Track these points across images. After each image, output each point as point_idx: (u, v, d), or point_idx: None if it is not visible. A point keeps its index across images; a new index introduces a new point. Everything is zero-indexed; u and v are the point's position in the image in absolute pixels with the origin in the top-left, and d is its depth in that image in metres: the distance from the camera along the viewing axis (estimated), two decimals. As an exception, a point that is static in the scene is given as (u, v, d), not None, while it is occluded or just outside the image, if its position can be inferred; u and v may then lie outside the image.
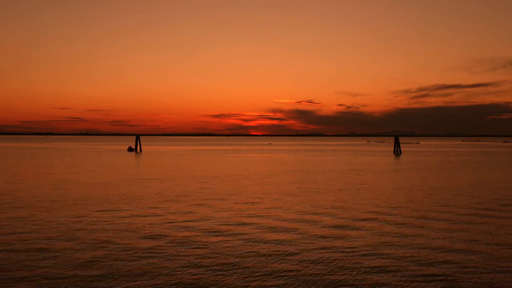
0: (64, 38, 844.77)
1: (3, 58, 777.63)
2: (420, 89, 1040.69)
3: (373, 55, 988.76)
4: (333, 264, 11.57)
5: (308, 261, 11.77)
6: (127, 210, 19.27)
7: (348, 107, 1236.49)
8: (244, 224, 16.39)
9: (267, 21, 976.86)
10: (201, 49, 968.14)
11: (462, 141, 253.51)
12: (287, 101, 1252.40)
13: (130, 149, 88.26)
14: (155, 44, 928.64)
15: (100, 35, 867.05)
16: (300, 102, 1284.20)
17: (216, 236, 14.49)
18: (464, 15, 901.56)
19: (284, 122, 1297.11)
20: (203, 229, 15.41)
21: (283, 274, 10.74)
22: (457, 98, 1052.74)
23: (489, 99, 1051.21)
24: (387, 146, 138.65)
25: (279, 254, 12.36)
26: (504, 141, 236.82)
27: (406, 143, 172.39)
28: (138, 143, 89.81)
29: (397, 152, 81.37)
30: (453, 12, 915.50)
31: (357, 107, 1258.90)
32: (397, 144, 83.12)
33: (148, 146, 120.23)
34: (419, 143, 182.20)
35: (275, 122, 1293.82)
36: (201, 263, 11.51)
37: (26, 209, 19.31)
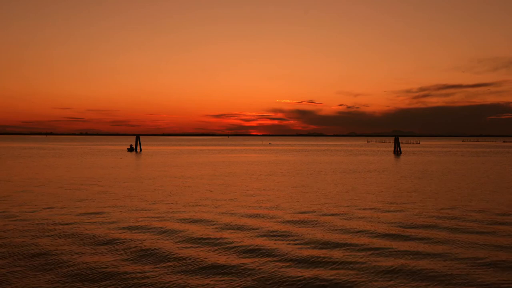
0: (65, 38, 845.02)
1: (3, 58, 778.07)
2: (421, 89, 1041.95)
3: (374, 55, 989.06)
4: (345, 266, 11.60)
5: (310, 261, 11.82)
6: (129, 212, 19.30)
7: (349, 107, 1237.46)
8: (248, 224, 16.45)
9: (268, 21, 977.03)
10: (202, 49, 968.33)
11: (462, 141, 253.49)
12: (288, 101, 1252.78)
13: (130, 149, 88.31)
14: (155, 44, 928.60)
15: (100, 35, 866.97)
16: (301, 102, 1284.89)
17: (215, 239, 14.55)
18: (466, 15, 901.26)
19: (284, 122, 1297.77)
20: (218, 228, 15.48)
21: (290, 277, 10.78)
22: (458, 98, 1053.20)
23: (490, 99, 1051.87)
24: (387, 146, 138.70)
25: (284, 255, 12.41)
26: (504, 141, 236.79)
27: (406, 143, 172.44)
28: (138, 143, 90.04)
29: (397, 152, 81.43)
30: (454, 12, 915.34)
31: (358, 107, 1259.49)
32: (397, 144, 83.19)
33: (149, 146, 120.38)
34: (419, 143, 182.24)
35: (276, 122, 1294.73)
36: (206, 264, 11.56)
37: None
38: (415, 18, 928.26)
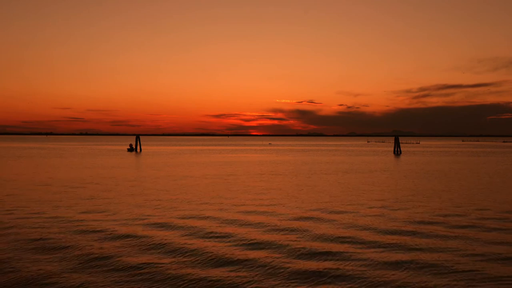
0: (65, 38, 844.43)
1: (3, 58, 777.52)
2: (421, 89, 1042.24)
3: (374, 55, 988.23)
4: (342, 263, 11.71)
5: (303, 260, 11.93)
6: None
7: (349, 107, 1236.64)
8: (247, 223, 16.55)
9: (268, 21, 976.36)
10: (202, 49, 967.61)
11: (462, 141, 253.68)
12: (288, 101, 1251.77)
13: (130, 149, 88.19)
14: (155, 44, 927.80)
15: (100, 35, 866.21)
16: (301, 102, 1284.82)
17: (212, 236, 14.66)
18: (466, 15, 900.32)
19: (284, 122, 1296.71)
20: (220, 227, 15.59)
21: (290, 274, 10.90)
22: (458, 98, 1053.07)
23: (490, 99, 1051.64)
24: (387, 146, 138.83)
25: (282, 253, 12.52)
26: (504, 141, 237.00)
27: (406, 143, 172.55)
28: (138, 143, 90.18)
29: (397, 152, 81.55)
30: (454, 12, 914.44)
31: (358, 107, 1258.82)
32: (397, 144, 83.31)
33: (149, 146, 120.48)
34: (419, 143, 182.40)
35: (276, 122, 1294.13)
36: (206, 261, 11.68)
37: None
38: (415, 18, 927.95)
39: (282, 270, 10.99)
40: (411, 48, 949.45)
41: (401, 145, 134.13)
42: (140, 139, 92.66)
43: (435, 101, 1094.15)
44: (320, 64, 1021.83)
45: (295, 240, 13.90)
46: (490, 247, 13.15)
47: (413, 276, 10.60)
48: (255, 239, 14.09)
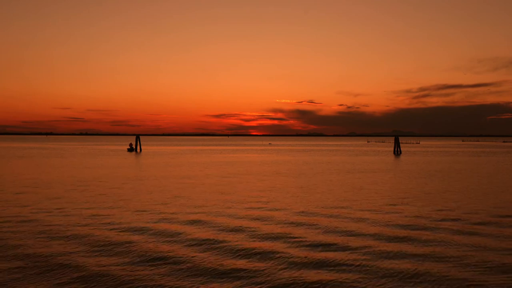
0: (65, 38, 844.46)
1: (3, 58, 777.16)
2: (421, 89, 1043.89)
3: (374, 55, 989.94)
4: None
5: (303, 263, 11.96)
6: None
7: (349, 107, 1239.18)
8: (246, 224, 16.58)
9: (268, 21, 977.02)
10: (202, 49, 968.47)
11: (462, 141, 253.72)
12: (288, 101, 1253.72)
13: (130, 149, 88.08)
14: (155, 44, 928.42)
15: (100, 35, 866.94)
16: (301, 102, 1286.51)
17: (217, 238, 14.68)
18: (466, 15, 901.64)
19: (284, 122, 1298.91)
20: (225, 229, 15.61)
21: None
22: (458, 98, 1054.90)
23: (490, 99, 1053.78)
24: (387, 146, 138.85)
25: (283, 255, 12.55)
26: (504, 141, 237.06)
27: (406, 143, 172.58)
28: (138, 143, 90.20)
29: (397, 152, 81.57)
30: (454, 12, 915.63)
31: (358, 107, 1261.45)
32: (397, 144, 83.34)
33: (149, 146, 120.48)
34: (419, 143, 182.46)
35: (276, 122, 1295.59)
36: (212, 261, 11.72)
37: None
38: (415, 18, 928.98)
39: (292, 263, 11.02)
40: (411, 48, 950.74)
41: (401, 145, 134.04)
42: (140, 139, 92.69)
43: (435, 101, 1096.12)
44: (320, 64, 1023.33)
45: (303, 236, 13.93)
46: (495, 243, 13.19)
47: (420, 271, 10.65)
48: (264, 234, 14.23)
